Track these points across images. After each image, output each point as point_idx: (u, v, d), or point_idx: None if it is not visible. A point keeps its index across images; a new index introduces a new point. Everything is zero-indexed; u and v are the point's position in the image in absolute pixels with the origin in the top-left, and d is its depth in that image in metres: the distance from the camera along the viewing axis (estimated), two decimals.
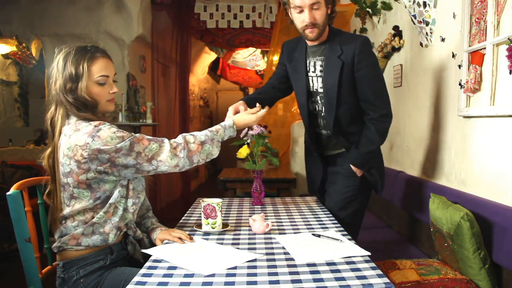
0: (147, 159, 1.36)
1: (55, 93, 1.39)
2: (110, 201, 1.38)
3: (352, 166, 1.87)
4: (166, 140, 1.42)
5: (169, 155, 1.38)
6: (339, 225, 1.62)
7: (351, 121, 1.85)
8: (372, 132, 1.80)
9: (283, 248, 1.32)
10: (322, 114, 1.89)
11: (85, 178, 1.32)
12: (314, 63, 1.85)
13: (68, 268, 1.37)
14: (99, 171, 1.32)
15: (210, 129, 1.55)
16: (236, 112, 1.75)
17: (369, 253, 1.24)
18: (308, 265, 1.15)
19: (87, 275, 1.36)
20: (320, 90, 1.85)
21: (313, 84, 1.88)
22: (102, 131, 1.31)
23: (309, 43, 1.84)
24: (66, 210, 1.37)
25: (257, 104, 1.72)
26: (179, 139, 1.45)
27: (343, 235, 1.47)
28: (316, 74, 1.85)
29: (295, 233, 1.50)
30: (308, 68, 1.88)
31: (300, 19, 1.73)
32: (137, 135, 1.39)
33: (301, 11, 1.70)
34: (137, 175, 1.41)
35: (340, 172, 1.95)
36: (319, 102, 1.88)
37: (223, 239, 1.44)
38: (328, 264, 1.16)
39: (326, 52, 1.79)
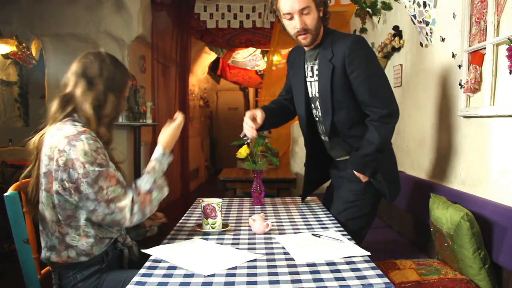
0: (106, 199, 1.26)
1: (80, 93, 1.37)
2: (76, 223, 1.32)
3: (354, 171, 1.78)
4: (131, 190, 1.33)
5: (130, 205, 1.29)
6: (339, 225, 1.62)
7: (352, 125, 1.77)
8: (371, 133, 1.71)
9: (283, 248, 1.32)
10: (321, 119, 1.83)
11: (55, 188, 1.29)
12: (312, 67, 1.80)
13: (65, 274, 1.35)
14: (63, 187, 1.28)
15: (147, 170, 1.39)
16: (253, 118, 1.77)
17: (369, 253, 1.24)
18: (308, 265, 1.15)
19: (85, 279, 1.35)
20: (317, 95, 1.80)
21: (311, 90, 1.83)
22: (80, 142, 1.26)
23: (305, 47, 1.80)
24: (46, 213, 1.33)
25: (177, 113, 1.56)
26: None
27: (343, 235, 1.47)
28: (314, 79, 1.80)
29: (295, 233, 1.50)
30: (306, 73, 1.84)
31: (291, 26, 1.68)
32: (110, 170, 1.29)
33: (291, 18, 1.65)
34: (91, 215, 1.30)
35: (343, 177, 1.88)
36: (319, 107, 1.82)
37: (223, 239, 1.44)
38: (328, 264, 1.16)
39: (320, 56, 1.74)
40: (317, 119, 1.87)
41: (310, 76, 1.82)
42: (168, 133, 1.48)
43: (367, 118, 1.72)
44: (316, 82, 1.78)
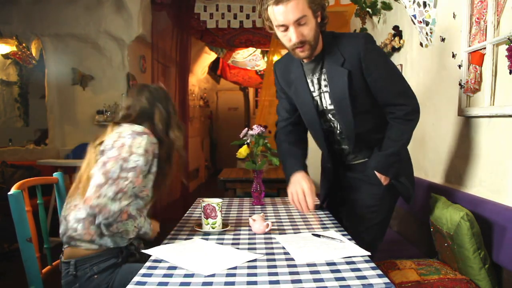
0: (121, 187, 1.32)
1: (159, 113, 1.53)
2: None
3: (376, 173, 1.59)
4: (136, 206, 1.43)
5: (125, 208, 1.35)
6: (339, 225, 1.62)
7: (376, 128, 1.60)
8: (396, 130, 1.55)
9: (283, 248, 1.32)
10: (338, 131, 1.64)
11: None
12: (318, 79, 1.58)
13: (81, 265, 1.39)
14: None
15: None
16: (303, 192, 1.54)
17: (369, 253, 1.24)
18: (308, 265, 1.15)
19: (101, 272, 1.39)
20: (330, 107, 1.58)
21: (321, 103, 1.61)
22: (141, 138, 1.41)
23: (304, 60, 1.57)
24: (94, 201, 1.33)
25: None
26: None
27: (343, 235, 1.47)
28: (322, 91, 1.58)
29: (295, 233, 1.50)
30: (311, 87, 1.61)
31: (286, 38, 1.44)
32: (141, 176, 1.40)
33: (286, 29, 1.42)
34: (93, 188, 1.35)
35: (361, 179, 1.68)
36: (333, 119, 1.62)
37: (223, 239, 1.44)
38: (328, 264, 1.16)
39: (327, 63, 1.52)
40: (331, 130, 1.67)
41: (317, 89, 1.59)
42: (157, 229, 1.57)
43: (391, 115, 1.57)
44: (327, 94, 1.57)
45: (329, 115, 1.62)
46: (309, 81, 1.60)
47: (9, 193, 1.39)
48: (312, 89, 1.61)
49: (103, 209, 1.29)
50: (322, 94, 1.59)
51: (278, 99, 1.80)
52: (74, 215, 1.41)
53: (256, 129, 2.01)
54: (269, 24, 1.48)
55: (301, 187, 1.53)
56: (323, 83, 1.57)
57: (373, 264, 1.15)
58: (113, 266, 1.41)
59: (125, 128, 1.45)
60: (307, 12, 1.40)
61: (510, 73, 1.58)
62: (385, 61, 1.56)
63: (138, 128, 1.45)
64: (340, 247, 1.32)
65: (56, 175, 1.80)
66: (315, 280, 1.04)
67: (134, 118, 1.51)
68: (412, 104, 1.56)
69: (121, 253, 1.44)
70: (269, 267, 1.14)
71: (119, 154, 1.36)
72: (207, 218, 1.50)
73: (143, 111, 1.53)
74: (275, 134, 1.83)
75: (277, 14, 1.39)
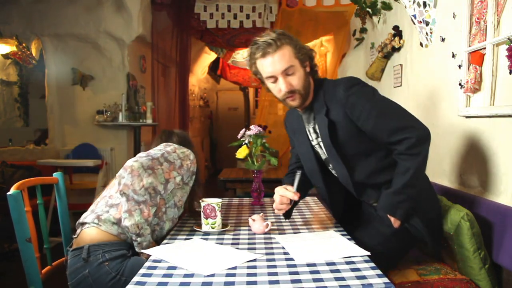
0: (153, 196, 1.51)
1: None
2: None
3: (388, 215, 1.47)
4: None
5: (145, 222, 1.48)
6: (339, 225, 1.62)
7: (377, 173, 1.50)
8: (400, 167, 1.42)
9: (283, 248, 1.32)
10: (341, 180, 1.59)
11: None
12: (313, 129, 1.57)
13: (94, 251, 1.42)
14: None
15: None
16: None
17: (368, 253, 1.24)
18: (308, 265, 1.15)
19: (112, 259, 1.42)
20: (325, 156, 1.58)
21: (322, 152, 1.59)
22: (190, 153, 1.66)
23: (297, 109, 1.58)
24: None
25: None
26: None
27: (343, 235, 1.47)
28: (319, 140, 1.57)
29: (295, 233, 1.50)
30: (309, 136, 1.60)
31: (276, 89, 1.46)
32: (174, 192, 1.60)
33: (275, 81, 1.44)
34: (125, 188, 1.47)
35: (373, 214, 1.60)
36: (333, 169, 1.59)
37: (222, 239, 1.44)
38: (328, 264, 1.16)
39: (316, 113, 1.51)
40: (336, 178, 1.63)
41: (316, 138, 1.58)
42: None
43: (394, 152, 1.45)
44: (322, 143, 1.55)
45: (330, 164, 1.59)
46: (308, 130, 1.60)
47: (8, 193, 1.39)
48: (310, 138, 1.61)
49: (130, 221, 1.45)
50: (320, 143, 1.57)
51: (292, 146, 1.81)
52: (106, 202, 1.54)
53: (253, 129, 2.01)
54: (259, 77, 1.51)
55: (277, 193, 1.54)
56: (317, 131, 1.55)
57: (372, 264, 1.15)
58: (124, 256, 1.44)
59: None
60: (294, 62, 1.43)
61: (510, 73, 1.58)
62: (371, 101, 1.44)
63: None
64: (340, 247, 1.32)
65: (56, 175, 1.80)
66: (315, 280, 1.04)
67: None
68: (415, 135, 1.40)
69: (132, 247, 1.49)
70: (268, 267, 1.14)
71: (160, 167, 1.55)
72: (206, 218, 1.50)
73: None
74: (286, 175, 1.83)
75: (265, 66, 1.43)
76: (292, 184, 1.55)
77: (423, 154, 1.42)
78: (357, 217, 1.73)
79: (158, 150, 1.61)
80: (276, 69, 1.41)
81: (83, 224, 1.52)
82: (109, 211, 1.51)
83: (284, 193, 1.52)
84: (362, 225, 1.63)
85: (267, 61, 1.42)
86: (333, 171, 1.61)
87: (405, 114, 1.46)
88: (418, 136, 1.40)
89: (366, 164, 1.49)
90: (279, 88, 1.45)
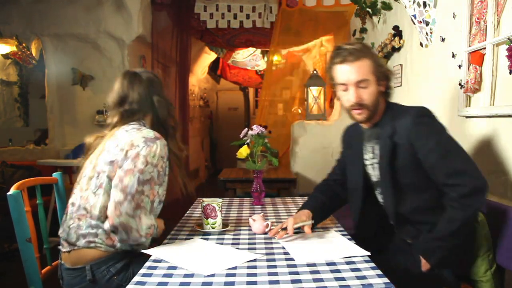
0: (138, 203, 1.33)
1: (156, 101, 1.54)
2: None
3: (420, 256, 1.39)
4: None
5: (149, 225, 1.37)
6: (339, 225, 1.62)
7: (423, 210, 1.45)
8: (447, 214, 1.35)
9: (283, 248, 1.32)
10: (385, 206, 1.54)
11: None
12: (372, 148, 1.53)
13: (97, 269, 1.37)
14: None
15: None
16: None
17: (369, 253, 1.24)
18: (308, 265, 1.15)
19: (119, 272, 1.38)
20: (377, 179, 1.53)
21: (373, 173, 1.55)
22: (155, 145, 1.39)
23: (363, 125, 1.54)
24: (91, 201, 1.37)
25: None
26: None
27: (343, 235, 1.47)
28: (375, 161, 1.52)
29: (295, 233, 1.50)
30: (365, 155, 1.57)
31: (346, 98, 1.46)
32: (157, 186, 1.41)
33: (346, 89, 1.44)
34: (111, 207, 1.33)
35: (403, 248, 1.52)
36: (380, 193, 1.55)
37: (223, 239, 1.44)
38: (328, 264, 1.16)
39: (380, 133, 1.48)
40: (380, 202, 1.58)
41: (371, 158, 1.54)
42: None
43: (446, 196, 1.37)
44: (377, 165, 1.51)
45: (378, 188, 1.55)
46: (367, 147, 1.56)
47: (8, 193, 1.39)
48: (366, 157, 1.57)
49: (125, 227, 1.31)
50: (376, 165, 1.53)
51: (340, 157, 1.77)
52: (89, 223, 1.37)
53: (255, 129, 2.02)
54: (332, 82, 1.51)
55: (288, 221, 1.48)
56: (376, 152, 1.51)
57: (373, 264, 1.15)
58: (127, 264, 1.41)
59: (136, 135, 1.42)
60: (370, 77, 1.42)
61: (510, 73, 1.58)
62: (438, 137, 1.39)
63: (149, 134, 1.42)
64: (340, 247, 1.32)
65: (55, 175, 1.80)
66: (315, 280, 1.04)
67: (138, 115, 1.52)
68: (471, 184, 1.32)
69: (128, 253, 1.44)
70: (269, 267, 1.14)
71: (135, 167, 1.34)
72: (207, 218, 1.50)
73: (142, 103, 1.53)
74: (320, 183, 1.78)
75: (340, 73, 1.44)
76: (310, 209, 1.55)
77: (474, 208, 1.34)
78: (384, 243, 1.62)
79: (130, 175, 1.34)
80: (350, 78, 1.41)
81: (73, 244, 1.39)
82: (98, 233, 1.37)
83: (290, 227, 1.44)
84: (389, 254, 1.55)
85: (344, 68, 1.42)
86: (379, 196, 1.57)
87: (467, 160, 1.38)
88: (474, 187, 1.32)
89: (416, 198, 1.44)
90: (348, 98, 1.44)
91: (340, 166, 1.73)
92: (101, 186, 1.37)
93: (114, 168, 1.37)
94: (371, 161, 1.54)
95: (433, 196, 1.42)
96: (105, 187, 1.36)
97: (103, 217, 1.36)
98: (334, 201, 1.68)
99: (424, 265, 1.38)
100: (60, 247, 1.44)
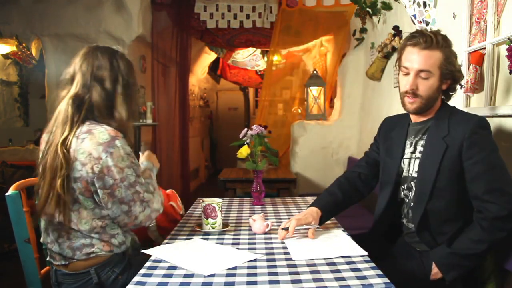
0: (142, 199, 1.35)
1: (97, 96, 1.36)
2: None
3: (434, 265, 1.37)
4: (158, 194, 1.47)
5: (158, 207, 1.44)
6: (339, 225, 1.63)
7: (447, 220, 1.41)
8: (475, 233, 1.31)
9: (283, 248, 1.32)
10: (411, 204, 1.49)
11: (90, 191, 1.32)
12: (416, 143, 1.50)
13: (101, 271, 1.36)
14: (97, 194, 1.31)
15: (146, 176, 1.49)
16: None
17: (366, 253, 1.24)
18: (308, 265, 1.15)
19: (123, 272, 1.38)
20: (415, 175, 1.48)
21: (408, 168, 1.51)
22: (117, 148, 1.30)
23: (412, 119, 1.52)
24: (74, 219, 1.33)
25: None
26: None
27: (347, 235, 1.47)
28: (415, 156, 1.49)
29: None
30: (404, 149, 1.54)
31: (403, 82, 1.44)
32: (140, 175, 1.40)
33: (407, 74, 1.42)
34: (124, 217, 1.35)
35: (414, 254, 1.50)
36: (413, 189, 1.49)
37: (223, 239, 1.44)
38: (328, 264, 1.16)
39: (430, 130, 1.45)
40: (404, 200, 1.54)
41: (411, 153, 1.51)
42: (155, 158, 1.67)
43: (477, 214, 1.34)
44: (417, 160, 1.48)
45: (411, 183, 1.50)
46: (408, 142, 1.54)
47: (6, 194, 1.38)
48: (406, 151, 1.54)
49: (149, 217, 1.39)
50: (414, 160, 1.50)
51: (369, 150, 1.75)
52: (80, 236, 1.35)
53: (255, 129, 2.02)
54: (398, 63, 1.48)
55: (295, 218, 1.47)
56: (419, 148, 1.49)
57: (373, 264, 1.15)
58: (129, 265, 1.40)
59: (90, 144, 1.29)
60: (434, 70, 1.39)
61: (510, 73, 1.58)
62: (490, 151, 1.35)
63: (103, 136, 1.30)
64: (340, 245, 1.32)
65: None
66: (315, 280, 1.04)
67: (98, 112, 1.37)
68: (509, 207, 1.27)
69: (135, 244, 1.47)
70: (269, 267, 1.14)
71: (114, 180, 1.29)
72: (207, 218, 1.50)
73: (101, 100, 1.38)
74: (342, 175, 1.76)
75: (407, 55, 1.42)
76: (321, 207, 1.54)
77: (504, 234, 1.29)
78: (389, 245, 1.62)
79: (118, 188, 1.31)
80: (413, 64, 1.39)
81: (70, 258, 1.35)
82: (93, 243, 1.35)
83: (292, 228, 1.42)
84: (397, 258, 1.53)
85: (412, 51, 1.40)
86: (406, 192, 1.53)
87: (511, 183, 1.34)
88: (510, 211, 1.27)
89: (445, 205, 1.40)
90: (405, 83, 1.43)
91: (367, 159, 1.71)
92: (77, 201, 1.33)
93: (83, 184, 1.30)
94: (410, 155, 1.51)
95: (465, 208, 1.38)
96: (82, 202, 1.33)
97: (95, 229, 1.35)
98: (350, 196, 1.65)
99: (435, 274, 1.36)
100: (51, 259, 1.40)
